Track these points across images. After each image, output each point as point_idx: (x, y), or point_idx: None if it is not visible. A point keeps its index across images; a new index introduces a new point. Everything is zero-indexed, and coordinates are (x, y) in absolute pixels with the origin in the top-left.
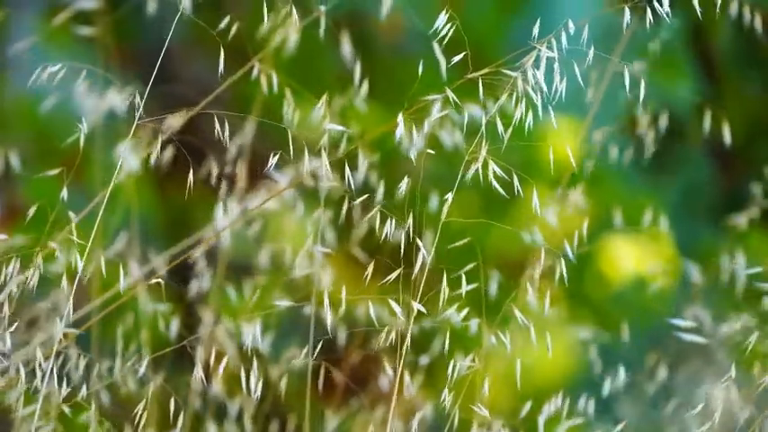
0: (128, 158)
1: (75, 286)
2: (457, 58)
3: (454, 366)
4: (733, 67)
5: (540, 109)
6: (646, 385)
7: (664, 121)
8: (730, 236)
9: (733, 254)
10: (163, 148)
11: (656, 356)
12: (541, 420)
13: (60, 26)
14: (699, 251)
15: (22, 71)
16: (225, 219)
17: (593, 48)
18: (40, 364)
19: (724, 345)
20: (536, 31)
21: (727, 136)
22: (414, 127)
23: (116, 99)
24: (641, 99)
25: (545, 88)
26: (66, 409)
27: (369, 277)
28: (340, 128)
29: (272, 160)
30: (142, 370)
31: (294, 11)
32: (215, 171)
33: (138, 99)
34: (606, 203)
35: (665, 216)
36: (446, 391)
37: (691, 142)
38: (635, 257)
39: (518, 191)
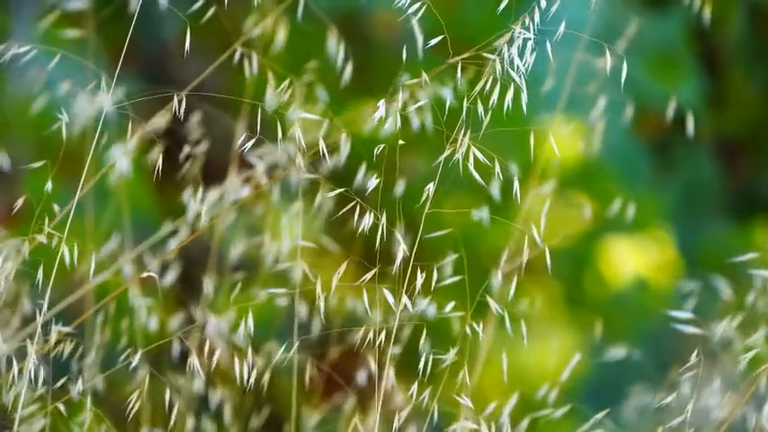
0: (120, 159)
1: (50, 279)
2: (434, 41)
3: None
4: (737, 63)
5: (524, 92)
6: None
7: (666, 117)
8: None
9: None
10: (152, 146)
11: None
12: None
13: (56, 27)
14: (701, 249)
15: (20, 72)
16: (203, 209)
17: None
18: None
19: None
20: (537, 19)
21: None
22: (395, 112)
23: (107, 99)
24: (622, 83)
25: (522, 67)
26: (61, 407)
27: (358, 273)
28: (312, 116)
29: (248, 144)
30: (134, 364)
31: None
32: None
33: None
34: (605, 201)
35: (667, 215)
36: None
37: (694, 139)
38: (635, 258)
39: (499, 177)
